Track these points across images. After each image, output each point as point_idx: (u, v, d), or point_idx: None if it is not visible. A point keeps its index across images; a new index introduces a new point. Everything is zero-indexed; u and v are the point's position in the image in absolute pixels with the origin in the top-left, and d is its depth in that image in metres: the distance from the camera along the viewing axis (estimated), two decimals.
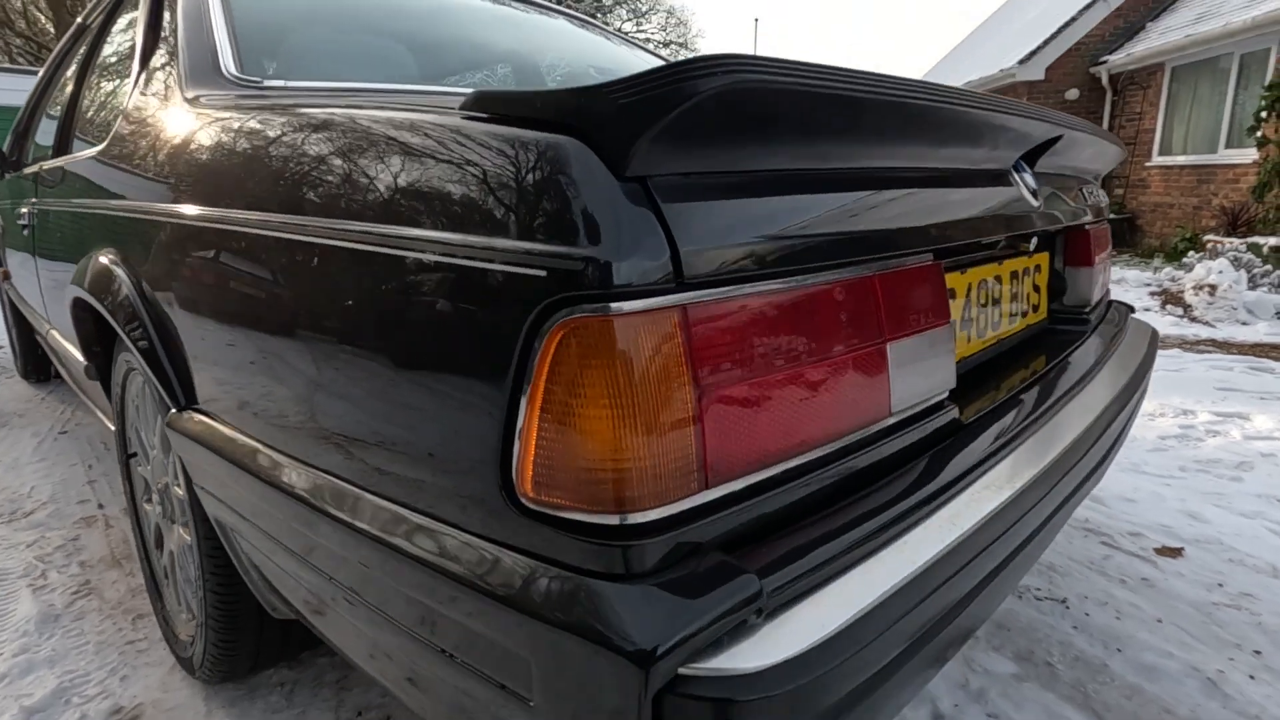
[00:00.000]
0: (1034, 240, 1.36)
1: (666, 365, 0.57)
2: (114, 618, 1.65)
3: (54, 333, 2.14)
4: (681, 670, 0.52)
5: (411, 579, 0.67)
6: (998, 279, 1.22)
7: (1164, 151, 9.10)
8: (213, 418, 1.04)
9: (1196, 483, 2.39)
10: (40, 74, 2.74)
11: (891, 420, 0.80)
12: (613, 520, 0.56)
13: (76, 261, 1.52)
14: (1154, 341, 1.60)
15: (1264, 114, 6.87)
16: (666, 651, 0.51)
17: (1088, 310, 1.50)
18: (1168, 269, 6.96)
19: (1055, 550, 1.96)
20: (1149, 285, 6.08)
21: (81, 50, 2.22)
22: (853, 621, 0.58)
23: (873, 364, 0.75)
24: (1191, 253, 6.63)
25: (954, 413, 0.92)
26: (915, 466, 0.81)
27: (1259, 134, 7.09)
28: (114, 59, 1.88)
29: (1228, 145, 8.22)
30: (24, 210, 2.21)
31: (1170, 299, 4.84)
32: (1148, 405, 3.25)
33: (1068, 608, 1.69)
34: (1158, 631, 1.60)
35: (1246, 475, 2.43)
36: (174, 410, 1.10)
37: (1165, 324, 4.50)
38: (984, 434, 0.94)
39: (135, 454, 1.57)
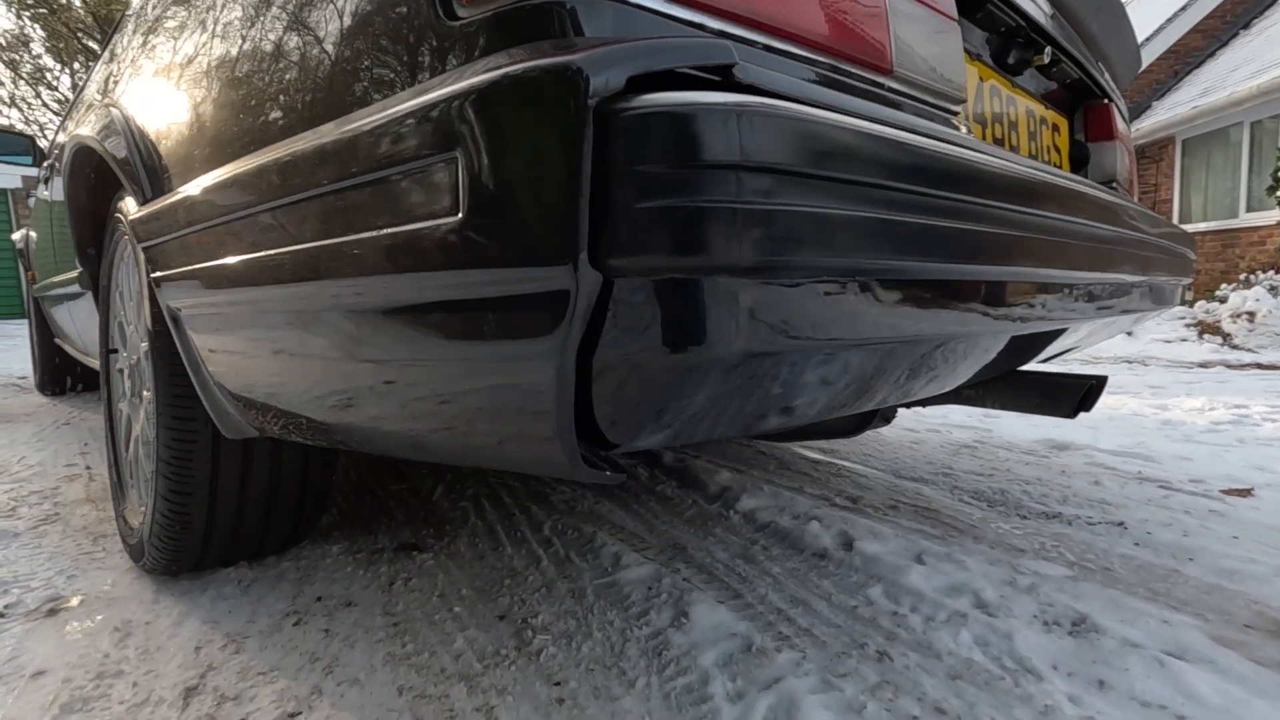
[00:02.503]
0: (1049, 81, 1.30)
1: None
2: (75, 538, 1.53)
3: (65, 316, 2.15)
4: (628, 103, 0.43)
5: (331, 168, 0.59)
6: (1011, 100, 1.16)
7: (1184, 219, 9.11)
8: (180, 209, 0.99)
9: (1257, 451, 2.17)
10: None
11: (892, 84, 0.72)
12: None
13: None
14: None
15: None
16: (610, 67, 0.42)
17: (1113, 184, 1.42)
18: (1200, 302, 6.79)
19: (1104, 489, 1.76)
20: (1183, 319, 5.89)
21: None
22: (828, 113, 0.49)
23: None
24: (1224, 285, 6.47)
25: (964, 127, 0.83)
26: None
27: (1279, 194, 7.08)
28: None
29: (1248, 209, 8.21)
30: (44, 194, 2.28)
31: (1207, 329, 4.66)
32: (1196, 401, 3.04)
33: (1126, 528, 1.49)
34: (1235, 546, 1.39)
35: None
36: (138, 207, 1.05)
37: (1205, 351, 4.31)
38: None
39: (115, 350, 1.52)
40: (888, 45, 0.70)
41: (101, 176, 1.44)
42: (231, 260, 0.83)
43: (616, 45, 0.43)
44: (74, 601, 1.21)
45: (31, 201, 2.95)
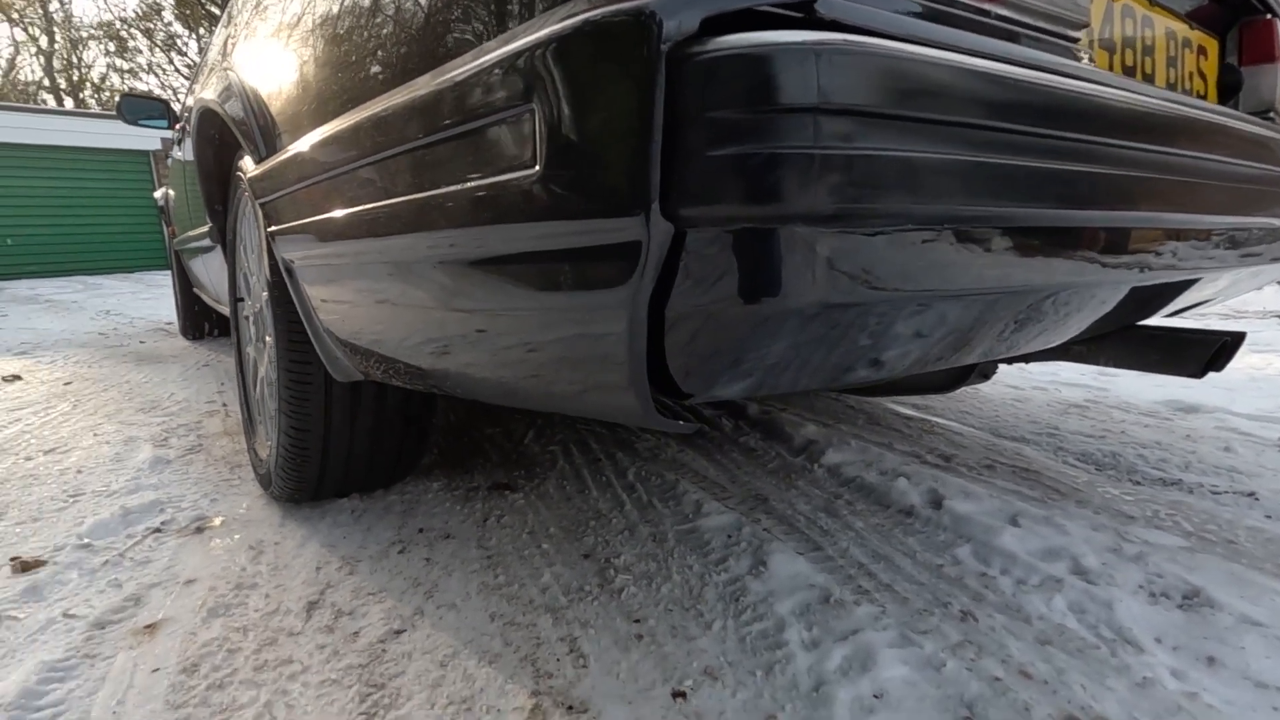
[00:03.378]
0: None
1: None
2: (215, 466, 1.72)
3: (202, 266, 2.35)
4: (703, 45, 0.42)
5: (418, 124, 0.61)
6: (1148, 20, 1.03)
7: None
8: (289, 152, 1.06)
9: None
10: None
11: (999, 10, 0.66)
12: None
13: None
14: None
15: None
16: (683, 10, 0.41)
17: (1270, 114, 1.24)
18: None
19: (1236, 455, 1.61)
20: None
21: None
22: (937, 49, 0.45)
23: None
24: None
25: (1086, 55, 0.75)
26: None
27: None
28: None
29: None
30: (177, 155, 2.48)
31: None
32: None
33: (1258, 499, 1.36)
34: None
35: None
36: (255, 165, 1.13)
37: None
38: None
39: (242, 299, 1.66)
40: None
41: (224, 137, 1.55)
42: (336, 214, 0.88)
43: None
44: (216, 522, 1.37)
45: (169, 161, 3.22)
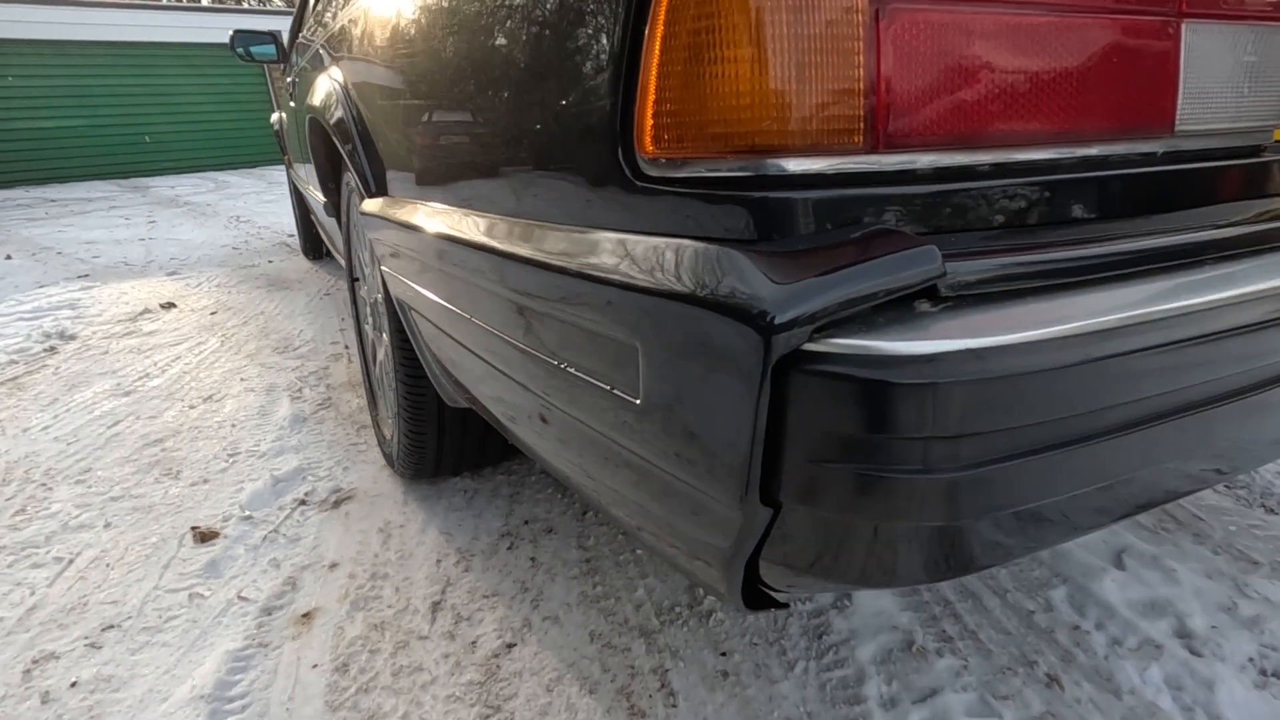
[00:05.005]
0: None
1: None
2: (344, 426, 1.90)
3: (313, 190, 2.46)
4: (814, 346, 0.40)
5: (533, 281, 0.62)
6: None
7: None
8: (393, 200, 1.09)
9: None
10: None
11: (1170, 139, 0.57)
12: (746, 169, 0.45)
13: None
14: None
15: None
16: (798, 317, 0.39)
17: None
18: None
19: None
20: None
21: None
22: (1071, 334, 0.42)
23: (1153, 42, 0.53)
24: None
25: (1271, 156, 0.64)
26: (1197, 213, 0.58)
27: None
28: None
29: None
30: (289, 79, 2.54)
31: None
32: None
33: None
34: None
35: None
36: (366, 197, 1.17)
37: None
38: None
39: (358, 279, 1.75)
40: (1173, 102, 0.54)
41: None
42: (445, 306, 0.91)
43: (802, 285, 0.39)
44: (350, 495, 1.54)
45: (286, 83, 3.27)
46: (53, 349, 2.71)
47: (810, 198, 0.44)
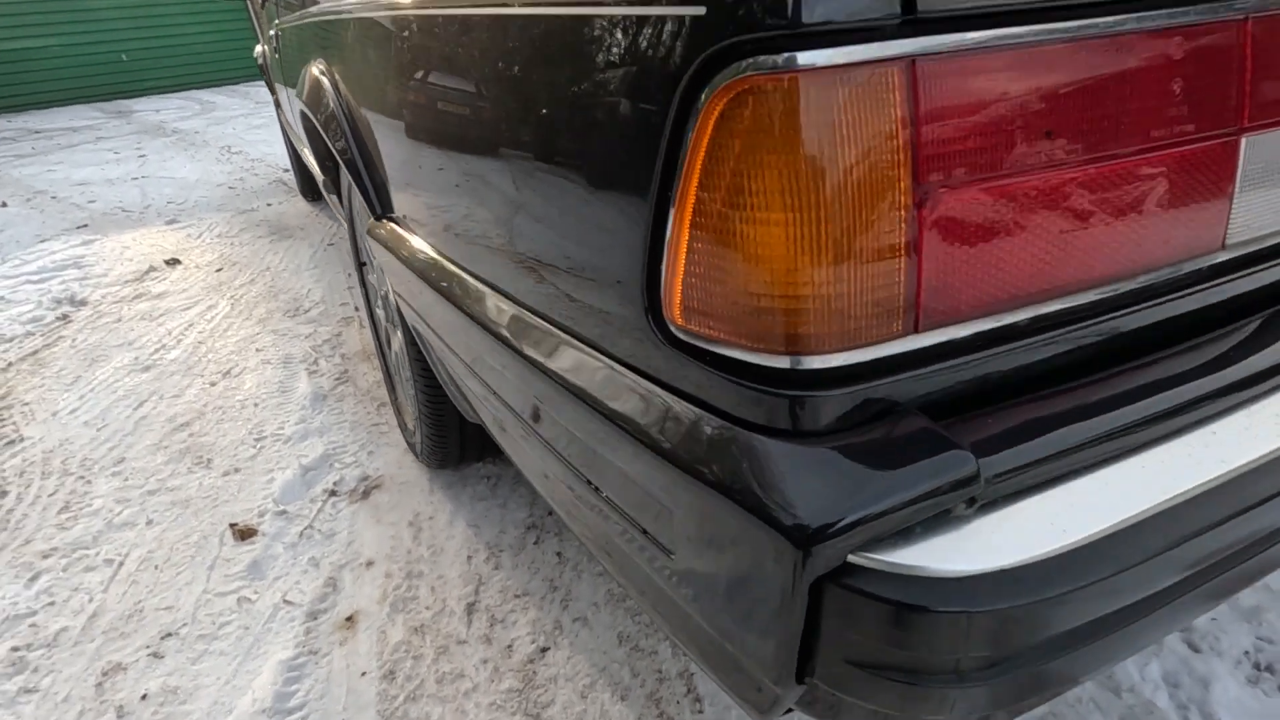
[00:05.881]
0: None
1: (875, 151, 0.40)
2: (363, 403, 1.93)
3: (306, 151, 2.38)
4: (852, 558, 0.41)
5: (556, 400, 0.62)
6: None
7: None
8: (403, 227, 1.06)
9: None
10: None
11: (1219, 259, 0.54)
12: (781, 363, 0.44)
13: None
14: None
15: None
16: (834, 532, 0.40)
17: None
18: None
19: None
20: None
21: None
22: (1106, 535, 0.42)
23: (1209, 167, 0.50)
24: None
25: None
26: (1240, 328, 0.56)
27: None
28: None
29: None
30: (271, 33, 2.39)
31: None
32: None
33: None
34: None
35: None
36: (372, 219, 1.14)
37: None
38: None
39: (365, 263, 1.73)
40: (1225, 220, 0.51)
41: None
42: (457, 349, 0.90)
43: (840, 498, 0.39)
44: (378, 484, 1.59)
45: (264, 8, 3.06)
46: (65, 317, 2.71)
47: (845, 393, 0.43)
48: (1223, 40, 0.47)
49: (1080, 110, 0.43)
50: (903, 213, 0.41)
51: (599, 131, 0.49)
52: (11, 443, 1.88)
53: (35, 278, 3.13)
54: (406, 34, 0.83)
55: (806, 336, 0.42)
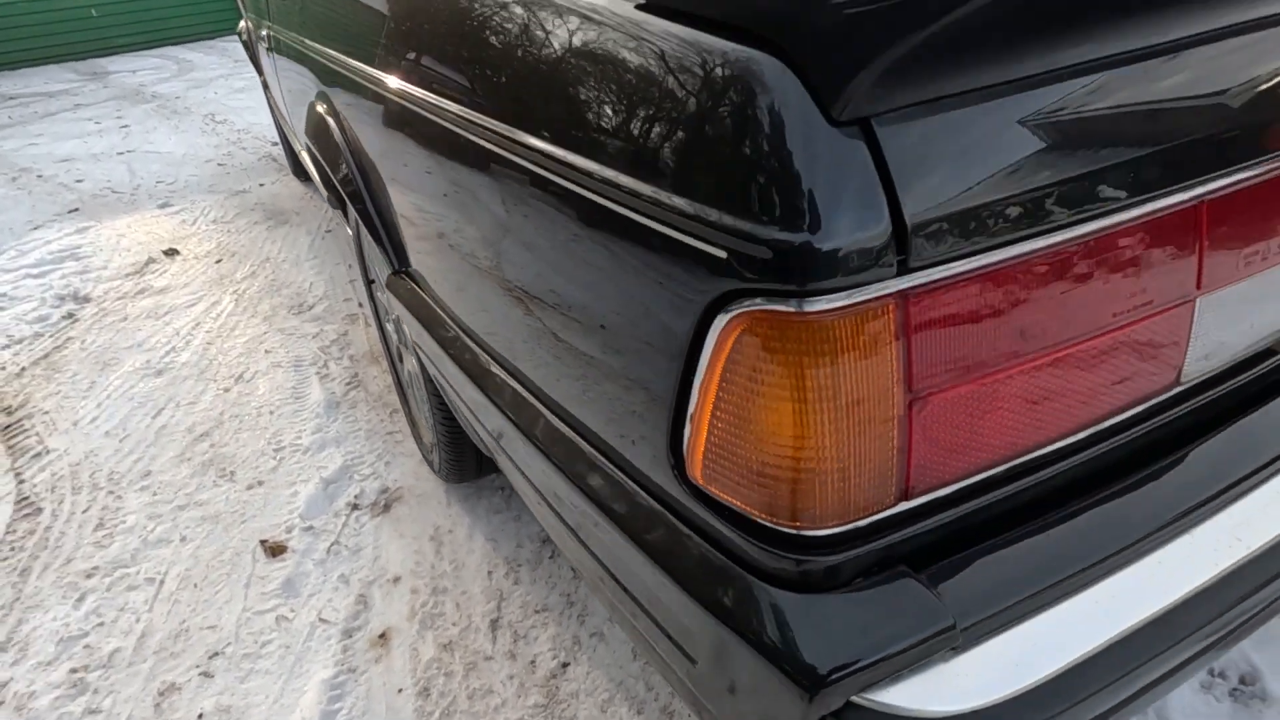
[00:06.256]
0: None
1: (872, 370, 0.46)
2: (376, 410, 2.00)
3: (295, 138, 2.38)
4: (854, 699, 0.49)
5: (586, 511, 0.69)
6: None
7: None
8: (420, 288, 1.10)
9: None
10: None
11: (1175, 392, 0.61)
12: (788, 529, 0.51)
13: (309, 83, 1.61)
14: None
15: None
16: (838, 678, 0.48)
17: None
18: None
19: None
20: None
21: None
22: (1075, 665, 0.50)
23: (1165, 329, 0.56)
24: None
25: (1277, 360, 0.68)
26: (1197, 450, 0.64)
27: None
28: None
29: None
30: (263, 33, 2.36)
31: None
32: None
33: None
34: None
35: None
36: (390, 272, 1.18)
37: None
38: None
39: (374, 280, 1.77)
40: (1181, 364, 0.58)
41: None
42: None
43: (840, 649, 0.46)
44: (397, 496, 1.68)
45: None
46: (71, 315, 2.74)
47: (846, 556, 0.50)
48: (1182, 223, 0.52)
49: (1054, 307, 0.49)
50: (895, 413, 0.47)
51: (634, 315, 0.55)
52: (38, 455, 1.95)
53: (35, 271, 3.13)
54: (449, 163, 0.86)
55: (811, 512, 0.49)
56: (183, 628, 1.40)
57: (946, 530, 0.54)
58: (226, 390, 2.17)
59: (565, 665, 1.26)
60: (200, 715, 1.23)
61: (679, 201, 0.47)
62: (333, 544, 1.56)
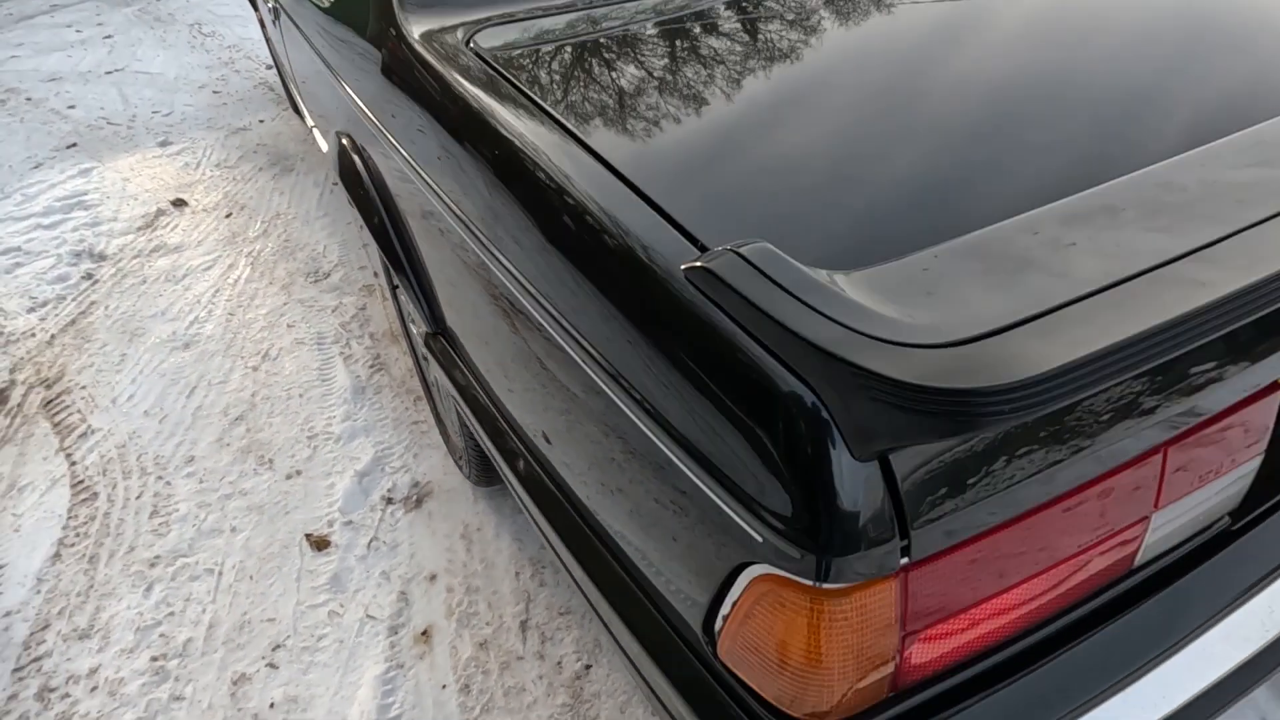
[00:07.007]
0: None
1: (873, 625, 0.56)
2: (401, 397, 2.11)
3: (315, 131, 2.34)
4: None
5: (620, 631, 0.82)
6: None
7: None
8: (459, 354, 1.18)
9: None
10: None
11: (1129, 569, 0.72)
12: (795, 715, 0.63)
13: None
14: None
15: None
16: None
17: None
18: None
19: None
20: None
21: None
22: None
23: (1126, 540, 0.66)
24: None
25: (1224, 524, 0.79)
26: (1150, 607, 0.75)
27: None
28: None
29: None
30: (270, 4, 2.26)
31: None
32: None
33: None
34: None
35: None
36: (428, 331, 1.25)
37: None
38: (1263, 541, 0.81)
39: (398, 285, 1.82)
40: (1134, 557, 0.68)
41: None
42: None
43: None
44: (428, 491, 1.82)
45: None
46: (90, 276, 2.79)
47: None
48: (1146, 466, 0.61)
49: (1030, 550, 0.59)
50: (891, 648, 0.58)
51: (691, 539, 0.65)
52: (84, 435, 2.07)
53: (45, 222, 3.14)
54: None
55: (814, 709, 0.61)
56: (245, 620, 1.57)
57: (934, 705, 0.67)
58: (255, 369, 2.26)
59: (588, 667, 1.44)
60: (272, 704, 1.42)
61: (710, 481, 0.56)
62: (372, 539, 1.72)
